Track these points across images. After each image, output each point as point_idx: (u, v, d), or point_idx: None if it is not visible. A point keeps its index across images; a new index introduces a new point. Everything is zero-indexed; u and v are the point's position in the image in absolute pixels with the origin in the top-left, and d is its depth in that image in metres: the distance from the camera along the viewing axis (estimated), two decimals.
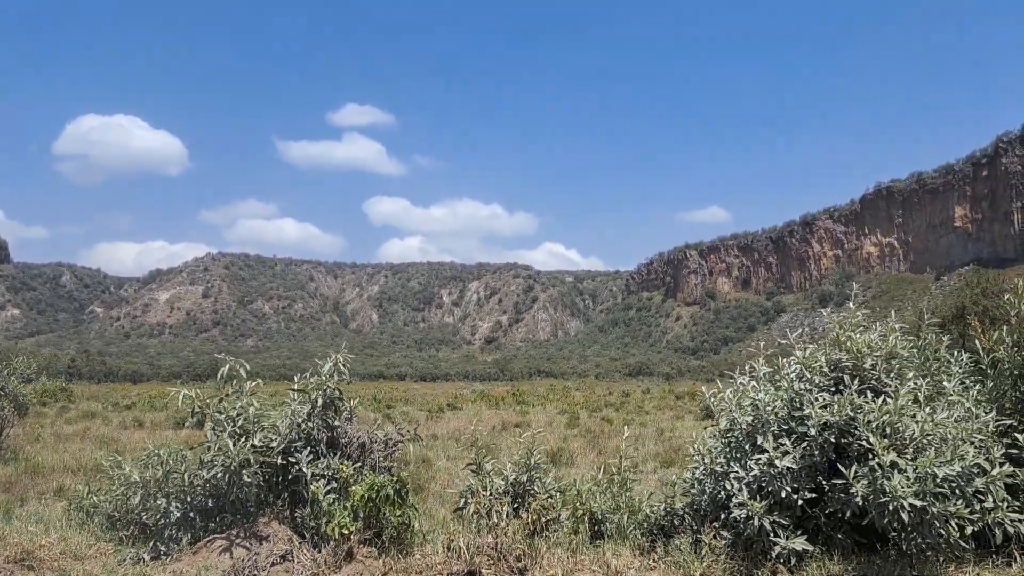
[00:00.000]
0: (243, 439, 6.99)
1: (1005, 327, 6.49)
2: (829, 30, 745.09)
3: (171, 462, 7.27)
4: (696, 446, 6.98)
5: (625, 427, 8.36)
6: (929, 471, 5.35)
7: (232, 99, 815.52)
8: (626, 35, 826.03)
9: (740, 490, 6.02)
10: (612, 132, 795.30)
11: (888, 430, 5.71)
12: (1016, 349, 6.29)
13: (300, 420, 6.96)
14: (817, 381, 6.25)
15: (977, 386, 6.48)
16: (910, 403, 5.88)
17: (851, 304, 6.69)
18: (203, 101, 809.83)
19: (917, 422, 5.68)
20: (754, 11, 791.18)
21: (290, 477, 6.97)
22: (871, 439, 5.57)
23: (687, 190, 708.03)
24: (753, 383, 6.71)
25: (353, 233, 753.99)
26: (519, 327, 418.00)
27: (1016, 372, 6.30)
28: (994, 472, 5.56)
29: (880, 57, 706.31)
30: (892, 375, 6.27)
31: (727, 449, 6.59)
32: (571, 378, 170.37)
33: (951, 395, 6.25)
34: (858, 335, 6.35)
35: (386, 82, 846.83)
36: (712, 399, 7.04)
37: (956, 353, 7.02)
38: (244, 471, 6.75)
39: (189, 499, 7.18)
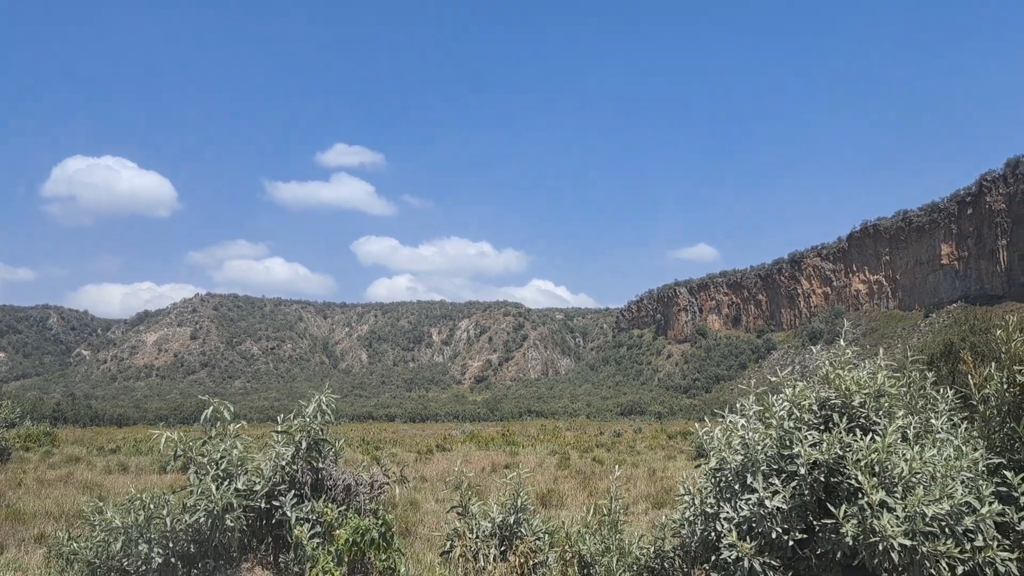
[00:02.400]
0: (226, 483, 6.88)
1: (993, 363, 6.49)
2: (815, 71, 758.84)
3: (153, 507, 7.14)
4: (686, 486, 6.91)
5: (616, 467, 8.28)
6: (918, 510, 5.31)
7: (222, 140, 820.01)
8: (614, 76, 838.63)
9: (730, 531, 5.95)
10: (599, 170, 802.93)
11: (877, 468, 5.67)
12: (1006, 386, 6.28)
13: (284, 463, 6.86)
14: (806, 419, 6.22)
15: (965, 423, 6.46)
16: (899, 441, 5.85)
17: (841, 341, 6.69)
18: (193, 142, 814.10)
19: (906, 460, 5.64)
20: (743, 51, 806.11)
21: (274, 521, 6.85)
22: (860, 478, 5.53)
23: (675, 228, 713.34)
24: (743, 421, 6.67)
25: (342, 273, 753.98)
26: (509, 366, 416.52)
27: (1006, 409, 6.29)
28: (984, 510, 5.51)
29: (865, 97, 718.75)
30: (881, 413, 6.25)
31: (717, 489, 6.53)
32: (562, 418, 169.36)
33: (939, 433, 6.22)
34: (847, 373, 6.34)
35: (376, 122, 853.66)
36: (704, 438, 6.99)
37: (943, 390, 7.02)
38: (227, 515, 6.63)
39: (171, 545, 7.04)
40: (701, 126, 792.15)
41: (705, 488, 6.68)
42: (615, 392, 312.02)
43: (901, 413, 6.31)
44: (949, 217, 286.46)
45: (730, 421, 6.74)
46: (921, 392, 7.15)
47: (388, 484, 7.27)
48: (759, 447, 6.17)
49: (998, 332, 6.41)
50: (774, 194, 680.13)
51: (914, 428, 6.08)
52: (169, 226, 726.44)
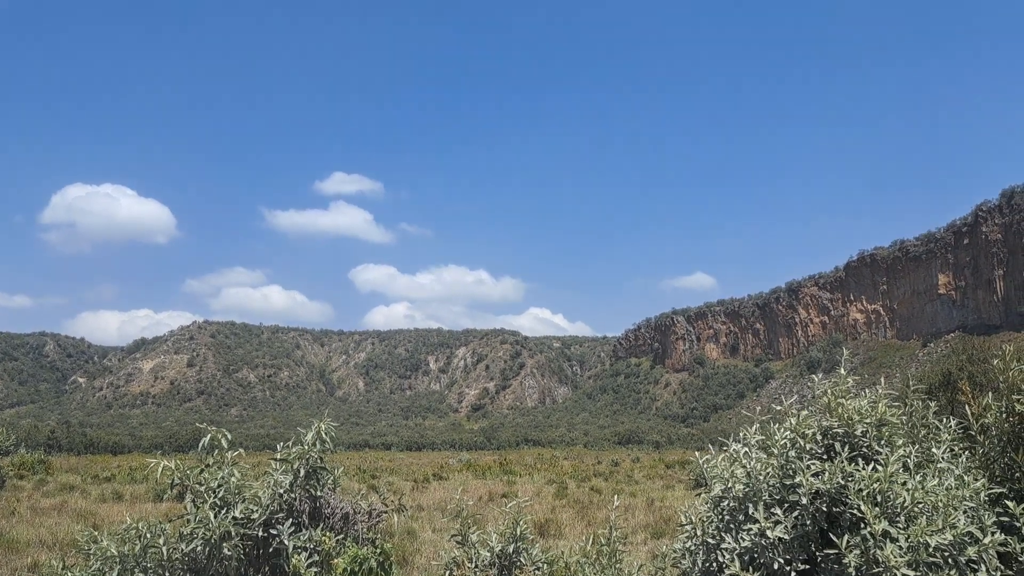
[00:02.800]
0: (224, 511, 6.82)
1: (991, 393, 6.49)
2: (814, 102, 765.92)
3: (149, 535, 7.07)
4: (687, 515, 6.86)
5: (615, 497, 8.24)
6: (921, 540, 5.27)
7: (221, 168, 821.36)
8: (610, 105, 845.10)
9: (732, 561, 5.90)
10: (597, 198, 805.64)
11: (879, 498, 5.65)
12: (1005, 415, 6.27)
13: (282, 491, 6.81)
14: (809, 448, 6.20)
15: (966, 453, 6.44)
16: (900, 471, 5.82)
17: (841, 370, 6.68)
18: (193, 170, 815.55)
19: (908, 490, 5.62)
20: (737, 83, 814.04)
21: (271, 549, 6.79)
22: (863, 507, 5.50)
23: (672, 256, 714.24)
24: (746, 450, 6.64)
25: (340, 300, 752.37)
26: (506, 394, 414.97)
27: (1005, 438, 6.28)
28: (986, 540, 5.48)
29: (861, 127, 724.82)
30: (882, 442, 6.23)
31: (719, 519, 6.48)
32: (559, 446, 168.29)
33: (940, 462, 6.20)
34: (849, 402, 6.33)
35: (374, 151, 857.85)
36: (705, 466, 6.95)
37: (944, 420, 7.01)
38: (224, 544, 6.57)
39: (167, 574, 6.97)
40: (699, 155, 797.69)
41: (707, 518, 6.64)
42: (613, 421, 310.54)
43: (902, 442, 6.29)
44: (946, 247, 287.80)
45: (733, 449, 6.71)
46: (923, 422, 7.15)
47: (386, 513, 7.22)
48: (761, 476, 6.14)
49: (995, 362, 6.42)
50: (772, 223, 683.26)
51: (915, 458, 6.06)
52: (168, 253, 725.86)
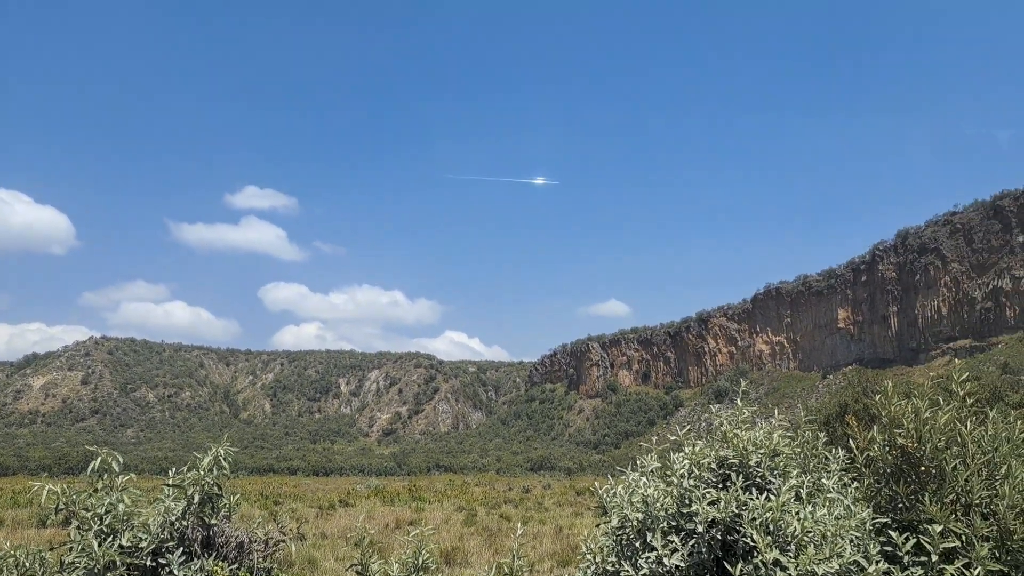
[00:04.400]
0: (110, 539, 6.48)
1: (876, 426, 6.80)
2: (721, 144, 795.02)
3: (27, 564, 6.66)
4: (588, 544, 6.91)
5: (519, 525, 8.20)
6: (810, 568, 5.45)
7: (126, 176, 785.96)
8: (530, 127, 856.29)
9: None
10: (512, 222, 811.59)
11: (771, 527, 5.82)
12: (888, 448, 6.58)
13: (174, 518, 6.52)
14: (705, 477, 6.35)
15: (855, 483, 6.72)
16: (792, 500, 6.02)
17: (739, 401, 6.89)
18: (95, 177, 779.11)
19: (798, 519, 5.81)
20: (652, 120, 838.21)
21: None
22: (755, 536, 5.66)
23: (587, 283, 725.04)
24: (644, 479, 6.75)
25: (248, 319, 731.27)
26: (419, 419, 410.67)
27: (888, 471, 6.57)
28: (871, 569, 5.70)
29: (770, 167, 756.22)
30: (776, 472, 6.44)
31: (618, 547, 6.55)
32: (471, 473, 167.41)
33: (830, 492, 6.44)
34: (744, 432, 6.52)
35: (290, 164, 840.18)
36: (605, 495, 7.02)
37: (834, 451, 7.30)
38: (109, 574, 6.24)
39: None
40: (617, 183, 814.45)
41: (607, 546, 6.70)
42: (526, 447, 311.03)
43: (795, 472, 6.52)
44: (845, 283, 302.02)
45: (632, 478, 6.81)
46: (814, 452, 7.43)
47: (284, 541, 7.00)
48: (659, 504, 6.25)
49: (878, 397, 6.73)
50: (683, 253, 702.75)
51: (807, 487, 6.28)
52: (64, 264, 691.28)
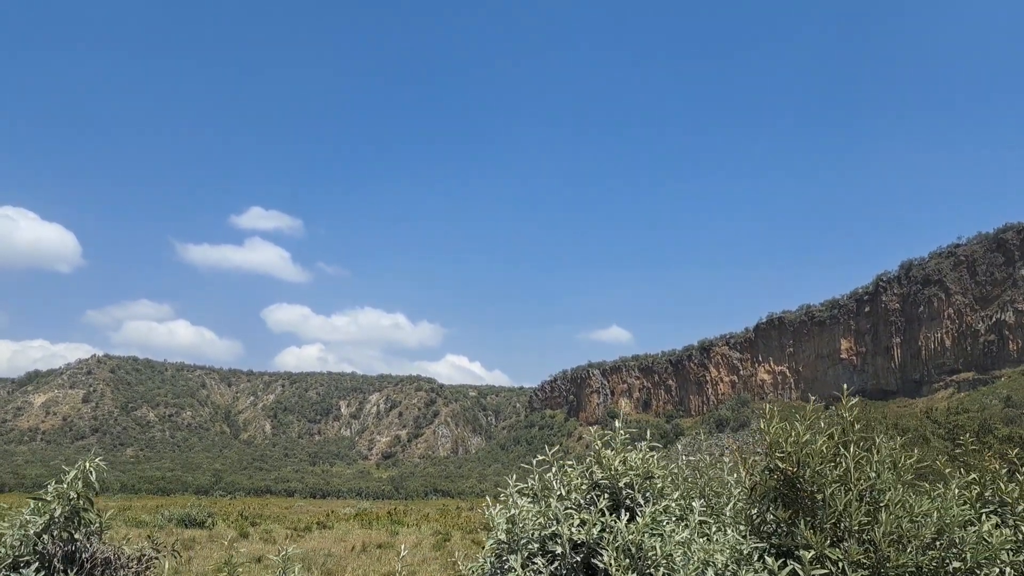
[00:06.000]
0: None
1: (760, 451, 6.66)
2: (725, 173, 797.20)
3: None
4: (469, 568, 6.75)
5: (403, 547, 8.02)
6: None
7: (133, 195, 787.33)
8: (535, 153, 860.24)
9: None
10: (517, 247, 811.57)
11: (634, 549, 5.67)
12: (768, 472, 6.43)
13: (33, 532, 6.38)
14: (574, 499, 6.22)
15: (738, 506, 6.57)
16: (660, 523, 5.87)
17: (617, 423, 6.76)
18: (103, 195, 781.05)
19: (662, 542, 5.66)
20: (651, 144, 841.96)
21: None
22: (609, 559, 5.51)
23: (590, 309, 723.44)
24: (522, 500, 6.61)
25: (251, 339, 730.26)
26: (418, 442, 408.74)
27: (771, 495, 6.42)
28: None
29: (773, 195, 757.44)
30: (648, 494, 6.30)
31: (491, 568, 6.40)
32: (469, 498, 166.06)
33: (707, 516, 6.29)
34: (617, 454, 6.40)
35: (296, 186, 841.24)
36: (489, 516, 6.89)
37: (736, 476, 7.15)
38: None
39: None
40: (623, 208, 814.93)
41: (484, 568, 6.55)
42: (525, 473, 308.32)
43: (676, 496, 6.38)
44: (848, 314, 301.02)
45: (512, 499, 6.67)
46: (712, 477, 7.29)
47: (157, 559, 6.84)
48: (525, 526, 6.11)
49: (762, 423, 6.61)
50: (685, 282, 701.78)
51: (677, 510, 6.13)
52: (70, 282, 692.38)
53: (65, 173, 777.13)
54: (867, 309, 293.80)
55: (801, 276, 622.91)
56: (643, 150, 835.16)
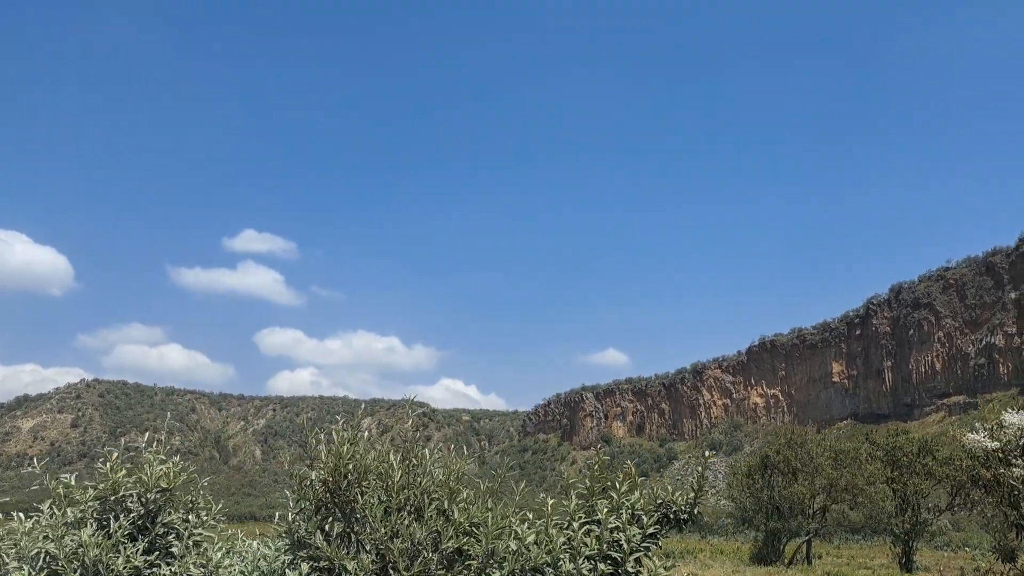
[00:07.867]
0: None
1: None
2: (717, 196, 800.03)
3: None
4: None
5: None
6: None
7: (128, 218, 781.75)
8: (528, 177, 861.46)
9: None
10: (511, 269, 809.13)
11: None
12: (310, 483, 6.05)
13: None
14: None
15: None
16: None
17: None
18: (96, 218, 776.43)
19: None
20: (644, 165, 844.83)
21: None
22: None
23: (586, 332, 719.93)
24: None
25: (243, 363, 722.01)
26: None
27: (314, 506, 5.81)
28: None
29: (764, 220, 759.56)
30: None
31: None
32: None
33: None
34: None
35: (290, 207, 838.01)
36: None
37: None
38: None
39: None
40: (616, 231, 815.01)
41: None
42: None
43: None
44: (840, 337, 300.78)
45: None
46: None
47: None
48: None
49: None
50: (678, 304, 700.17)
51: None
52: (62, 306, 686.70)
53: (58, 196, 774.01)
54: (858, 332, 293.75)
55: (793, 299, 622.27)
56: (637, 172, 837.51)
